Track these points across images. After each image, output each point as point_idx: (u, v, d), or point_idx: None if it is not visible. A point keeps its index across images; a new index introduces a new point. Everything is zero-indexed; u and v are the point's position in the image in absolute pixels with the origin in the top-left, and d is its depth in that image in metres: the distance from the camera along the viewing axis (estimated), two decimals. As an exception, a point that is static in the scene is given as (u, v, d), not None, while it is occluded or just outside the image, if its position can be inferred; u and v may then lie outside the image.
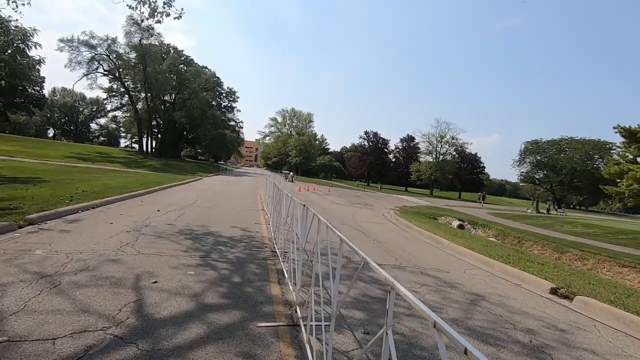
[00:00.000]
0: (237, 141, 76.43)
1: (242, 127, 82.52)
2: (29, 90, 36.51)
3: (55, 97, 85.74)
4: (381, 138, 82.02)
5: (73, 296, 3.55)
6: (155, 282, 4.22)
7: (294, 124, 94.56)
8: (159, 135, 60.22)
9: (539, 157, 72.88)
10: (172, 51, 57.04)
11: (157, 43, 49.83)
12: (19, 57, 24.73)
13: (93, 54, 43.61)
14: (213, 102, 63.13)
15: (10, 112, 35.23)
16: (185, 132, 63.17)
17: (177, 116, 53.43)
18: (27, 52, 25.94)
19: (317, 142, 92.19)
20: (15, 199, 8.12)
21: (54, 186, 11.80)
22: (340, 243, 2.35)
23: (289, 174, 48.67)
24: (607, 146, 64.10)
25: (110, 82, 52.54)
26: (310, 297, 3.00)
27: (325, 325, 2.93)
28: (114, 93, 56.02)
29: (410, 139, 79.76)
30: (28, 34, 25.04)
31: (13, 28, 23.44)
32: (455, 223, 19.81)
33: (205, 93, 58.03)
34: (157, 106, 53.67)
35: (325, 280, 4.38)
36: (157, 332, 3.03)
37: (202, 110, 54.63)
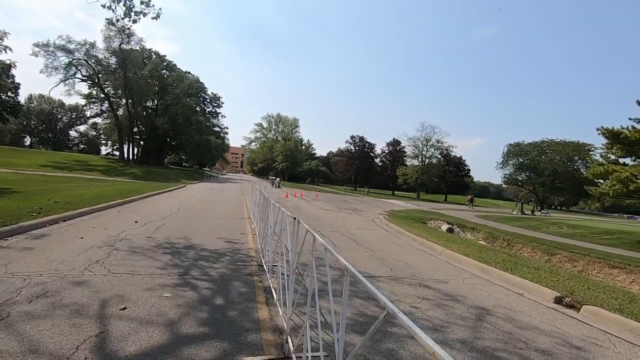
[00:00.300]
0: (222, 147, 75.30)
1: (227, 133, 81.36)
2: (2, 96, 34.97)
3: (32, 104, 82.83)
4: (367, 142, 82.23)
5: (22, 332, 2.99)
6: (125, 308, 3.68)
7: (280, 129, 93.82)
8: (141, 142, 58.68)
9: (521, 159, 74.39)
10: (154, 56, 55.75)
11: (138, 48, 48.68)
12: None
13: (70, 59, 42.12)
14: (197, 108, 61.98)
15: (-19, 120, 33.58)
16: (168, 139, 61.70)
17: (159, 122, 52.13)
18: (-4, 56, 24.73)
19: (303, 147, 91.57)
20: (-27, 213, 7.39)
21: (23, 197, 10.98)
22: (345, 274, 1.91)
23: (275, 179, 48.00)
24: (586, 148, 65.91)
25: (89, 88, 50.90)
26: (305, 325, 2.55)
27: (323, 356, 2.48)
28: (93, 99, 54.25)
29: (396, 143, 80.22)
30: (-3, 37, 23.88)
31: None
32: (445, 227, 19.65)
33: (188, 99, 56.92)
34: (138, 112, 52.28)
35: (317, 300, 3.93)
36: (121, 376, 2.52)
37: (186, 116, 53.48)
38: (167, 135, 58.97)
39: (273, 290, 4.41)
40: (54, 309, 3.50)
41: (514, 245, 16.60)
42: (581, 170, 65.91)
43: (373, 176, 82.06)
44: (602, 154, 22.46)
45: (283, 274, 3.96)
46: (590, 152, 63.27)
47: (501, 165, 76.50)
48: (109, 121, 58.04)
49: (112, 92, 51.28)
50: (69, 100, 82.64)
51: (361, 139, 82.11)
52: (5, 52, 24.69)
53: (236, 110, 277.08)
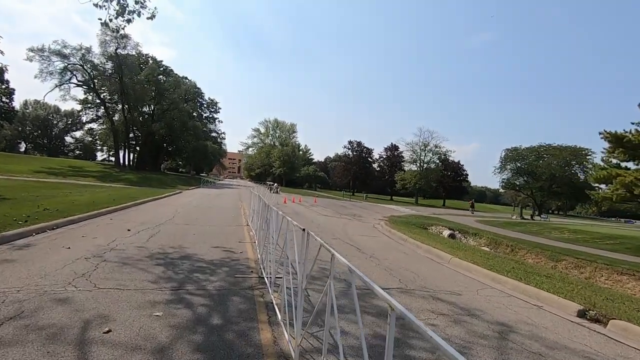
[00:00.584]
0: (220, 153, 74.76)
1: (225, 138, 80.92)
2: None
3: (27, 110, 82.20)
4: (365, 147, 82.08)
5: (-14, 363, 2.57)
6: (109, 330, 3.26)
7: (277, 135, 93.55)
8: (137, 148, 58.11)
9: (519, 164, 74.31)
10: (150, 61, 55.47)
11: (134, 53, 48.36)
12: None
13: (66, 64, 41.71)
14: (194, 113, 61.67)
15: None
16: (165, 144, 61.17)
17: (156, 128, 51.65)
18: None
19: (300, 152, 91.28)
20: (-47, 222, 6.94)
21: (12, 204, 10.51)
22: (390, 314, 1.51)
23: (273, 185, 47.56)
24: (583, 152, 66.00)
25: (85, 94, 50.42)
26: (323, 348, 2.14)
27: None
28: (89, 105, 53.75)
29: (394, 147, 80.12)
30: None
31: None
32: (446, 232, 19.30)
33: (185, 104, 56.56)
34: (134, 118, 51.81)
35: (319, 317, 3.52)
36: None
37: (183, 122, 53.04)
38: (163, 140, 58.48)
39: (276, 307, 3.99)
40: (27, 333, 3.07)
41: (517, 251, 16.27)
42: (578, 174, 65.99)
43: (371, 181, 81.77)
44: (604, 158, 22.26)
45: (288, 288, 3.56)
46: (587, 157, 63.43)
47: (499, 170, 76.37)
48: (104, 127, 57.52)
49: (108, 97, 50.84)
50: (65, 106, 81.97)
51: (359, 144, 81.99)
52: (-3, 55, 24.17)
53: (233, 116, 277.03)
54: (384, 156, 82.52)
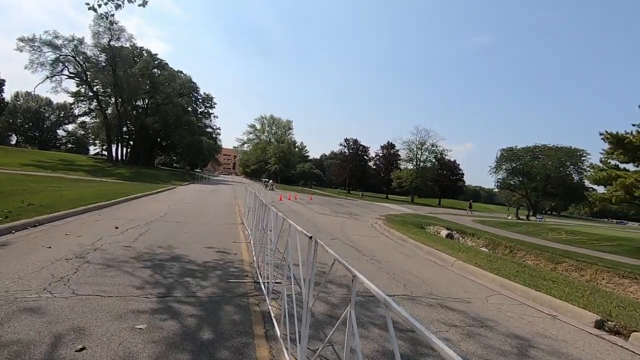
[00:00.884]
0: (215, 148, 73.89)
1: (220, 134, 79.92)
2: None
3: (19, 102, 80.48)
4: (361, 145, 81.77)
5: None
6: (83, 348, 2.84)
7: (273, 131, 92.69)
8: (131, 142, 57.16)
9: (514, 164, 74.43)
10: (145, 54, 54.41)
11: (128, 45, 47.38)
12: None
13: (57, 55, 40.64)
14: (189, 108, 60.66)
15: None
16: (159, 139, 60.19)
17: (150, 122, 50.71)
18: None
19: (296, 149, 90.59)
20: None
21: (-7, 199, 9.98)
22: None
23: (268, 182, 47.04)
24: (578, 153, 66.26)
25: (77, 86, 49.31)
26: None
27: None
28: (81, 97, 52.62)
29: (390, 146, 79.86)
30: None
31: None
32: (444, 232, 19.06)
33: (180, 98, 55.60)
34: (128, 111, 50.85)
35: (323, 328, 3.13)
36: None
37: (177, 116, 52.13)
38: (157, 135, 57.55)
39: (274, 320, 3.58)
40: (-14, 351, 2.64)
41: (516, 253, 16.06)
42: (573, 175, 66.33)
43: (367, 179, 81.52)
44: (602, 159, 22.10)
45: (289, 296, 3.17)
46: (582, 158, 63.78)
47: (494, 170, 76.46)
48: (97, 120, 56.40)
49: (101, 90, 49.77)
50: (57, 99, 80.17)
51: (355, 141, 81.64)
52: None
53: (229, 112, 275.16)
54: (380, 154, 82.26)
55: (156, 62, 56.31)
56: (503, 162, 75.33)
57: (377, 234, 13.04)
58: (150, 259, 5.76)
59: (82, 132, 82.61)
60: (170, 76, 55.29)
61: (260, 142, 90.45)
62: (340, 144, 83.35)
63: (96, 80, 47.09)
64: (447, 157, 75.58)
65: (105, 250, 6.06)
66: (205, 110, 71.00)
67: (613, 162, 21.68)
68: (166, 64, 58.58)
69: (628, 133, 17.78)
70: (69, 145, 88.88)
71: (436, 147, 70.98)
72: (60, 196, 12.63)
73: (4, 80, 51.16)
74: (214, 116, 74.30)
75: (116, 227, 8.24)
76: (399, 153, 77.64)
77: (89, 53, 42.96)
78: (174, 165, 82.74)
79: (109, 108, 51.45)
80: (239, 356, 2.99)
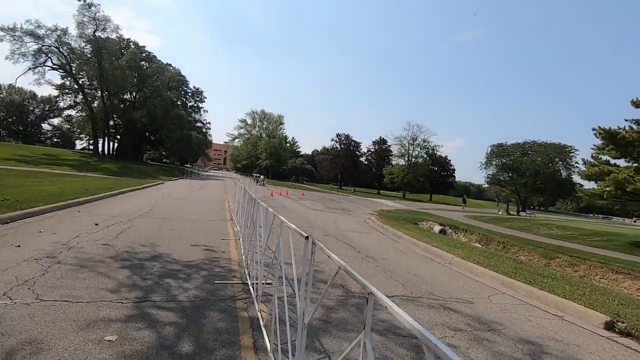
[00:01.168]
0: (205, 143, 72.68)
1: (210, 129, 78.67)
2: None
3: (1, 95, 77.96)
4: (353, 141, 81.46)
5: None
6: (37, 367, 2.42)
7: (264, 126, 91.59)
8: (118, 136, 55.82)
9: (504, 160, 74.98)
10: (132, 46, 53.02)
11: (114, 36, 46.04)
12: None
13: (40, 45, 39.20)
14: (178, 102, 59.42)
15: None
16: (147, 133, 58.90)
17: (137, 116, 49.45)
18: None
19: (288, 144, 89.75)
20: None
21: (-36, 194, 9.36)
22: None
23: (259, 177, 46.44)
24: (567, 149, 67.03)
25: (62, 78, 47.81)
26: None
27: None
28: (66, 90, 51.07)
29: (382, 141, 79.68)
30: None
31: None
32: (437, 228, 18.89)
33: (169, 92, 54.38)
34: (115, 105, 49.56)
35: (321, 336, 2.75)
36: None
37: (166, 110, 50.95)
38: (145, 129, 56.29)
39: (264, 330, 3.19)
40: None
41: (509, 248, 15.96)
42: (561, 171, 67.13)
43: (359, 175, 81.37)
44: (594, 154, 22.13)
45: (280, 299, 2.78)
46: (571, 154, 64.57)
47: (484, 166, 76.95)
48: (83, 113, 54.85)
49: (87, 82, 48.36)
50: (42, 91, 78.23)
51: (347, 137, 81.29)
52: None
53: (219, 106, 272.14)
54: (372, 150, 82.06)
55: (144, 54, 54.97)
56: (493, 157, 75.81)
57: (370, 230, 12.72)
58: (129, 258, 5.31)
59: (68, 126, 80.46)
60: (159, 69, 54.03)
61: (251, 137, 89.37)
62: (332, 139, 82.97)
63: (81, 72, 45.72)
64: (438, 153, 75.81)
65: (81, 248, 5.59)
66: (195, 104, 69.78)
67: (604, 157, 21.77)
68: (154, 56, 57.30)
69: (621, 128, 17.75)
70: (55, 140, 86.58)
71: (428, 142, 71.11)
72: (39, 191, 12.00)
73: (-16, 72, 49.54)
74: (204, 110, 73.16)
75: (96, 224, 7.73)
76: (391, 149, 77.61)
77: (74, 44, 41.59)
78: (163, 160, 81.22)
79: (95, 101, 50.09)
80: (222, 373, 2.60)
